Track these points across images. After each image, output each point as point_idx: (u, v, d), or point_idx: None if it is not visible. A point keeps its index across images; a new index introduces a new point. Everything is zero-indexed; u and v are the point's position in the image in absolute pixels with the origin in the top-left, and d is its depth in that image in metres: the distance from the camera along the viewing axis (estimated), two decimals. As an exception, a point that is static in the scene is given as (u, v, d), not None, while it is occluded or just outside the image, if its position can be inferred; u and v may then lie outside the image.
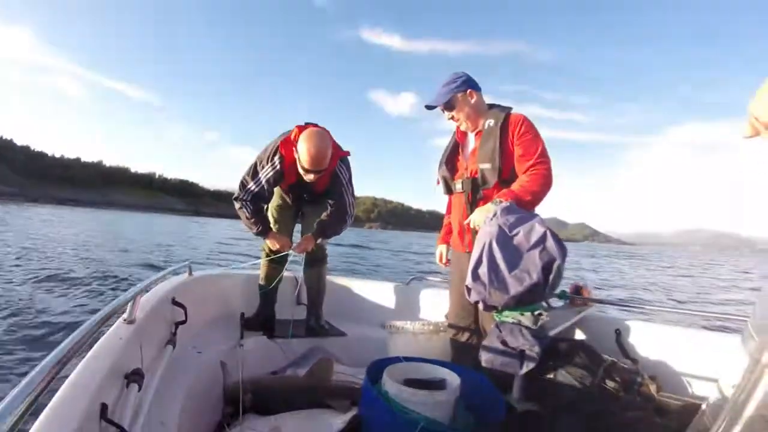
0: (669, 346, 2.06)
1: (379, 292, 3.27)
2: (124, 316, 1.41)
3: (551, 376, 1.86)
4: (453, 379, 1.80)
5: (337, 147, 2.45)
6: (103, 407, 0.97)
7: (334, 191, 2.53)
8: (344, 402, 2.01)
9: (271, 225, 2.68)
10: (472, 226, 2.04)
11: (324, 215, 2.62)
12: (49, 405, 0.83)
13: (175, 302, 1.98)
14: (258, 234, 2.51)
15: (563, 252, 1.76)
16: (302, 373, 2.27)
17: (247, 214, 2.46)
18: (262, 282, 2.74)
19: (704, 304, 11.69)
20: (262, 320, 2.71)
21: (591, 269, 22.94)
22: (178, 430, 1.38)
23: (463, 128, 2.26)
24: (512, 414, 1.74)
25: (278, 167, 2.39)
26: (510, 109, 2.15)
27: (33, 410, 0.69)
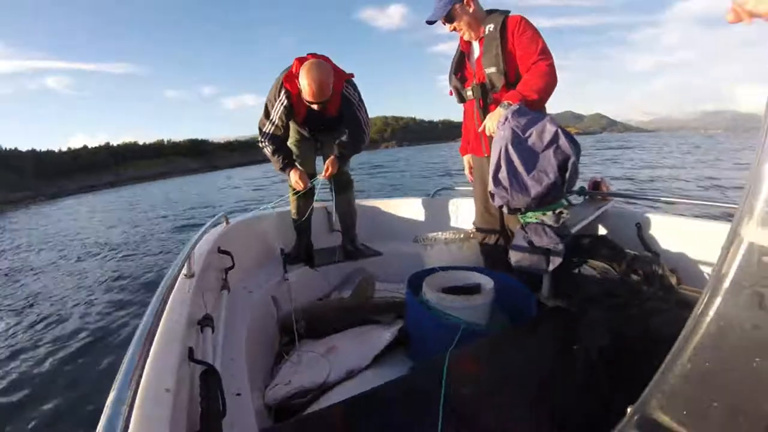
0: (689, 239, 2.06)
1: (408, 209, 3.37)
2: (184, 271, 1.53)
3: (576, 271, 1.94)
4: (487, 282, 1.93)
5: (340, 71, 2.47)
6: (190, 350, 1.11)
7: (347, 113, 2.55)
8: (389, 315, 2.18)
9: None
10: (487, 132, 2.09)
11: (342, 138, 2.67)
12: (151, 353, 0.95)
13: (221, 251, 2.09)
14: (282, 169, 2.59)
15: (577, 149, 1.80)
16: (347, 295, 2.44)
17: (270, 153, 2.55)
18: (294, 217, 2.83)
19: (725, 190, 11.33)
20: (302, 252, 2.84)
21: (610, 159, 22.50)
22: (246, 364, 1.54)
23: (466, 38, 2.26)
24: (543, 310, 1.84)
25: (286, 102, 2.44)
26: (508, 12, 2.13)
27: (142, 362, 0.83)
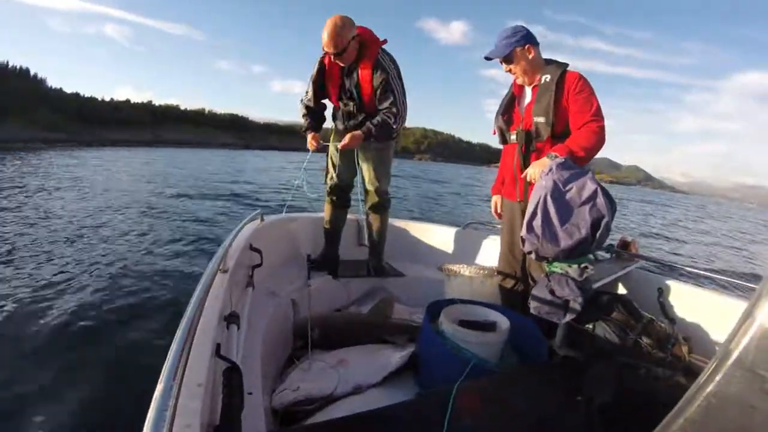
0: (707, 311, 2.09)
1: (437, 235, 3.40)
2: (220, 266, 1.60)
3: (591, 326, 1.96)
4: (503, 321, 1.98)
5: (374, 37, 2.55)
6: (217, 346, 1.16)
7: (380, 84, 2.52)
8: (402, 338, 2.23)
9: (331, 170, 2.81)
10: (527, 179, 2.12)
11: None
12: (192, 348, 1.03)
13: (252, 248, 2.16)
14: (305, 131, 2.74)
15: (612, 209, 1.86)
16: (365, 310, 2.50)
17: (301, 114, 2.75)
18: (326, 225, 2.90)
19: (751, 267, 11.07)
20: (327, 261, 2.89)
21: (641, 214, 22.16)
22: (261, 362, 1.60)
23: (519, 82, 2.30)
24: (553, 358, 1.89)
25: (317, 66, 2.63)
26: (566, 65, 2.17)
27: (185, 358, 0.93)
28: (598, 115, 2.04)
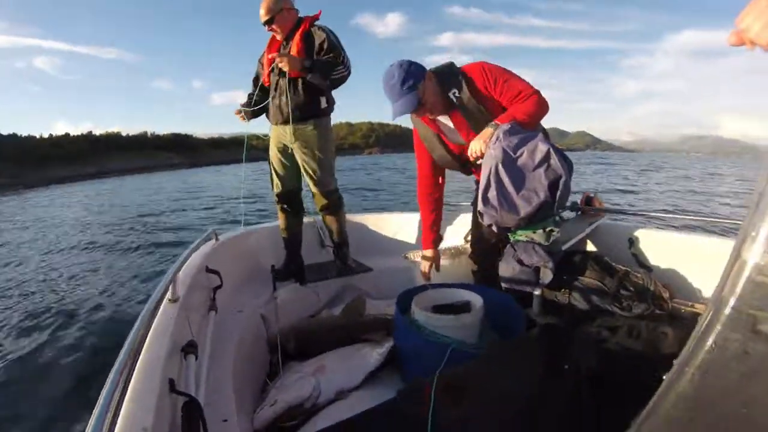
0: (681, 253, 2.09)
1: (398, 224, 3.35)
2: (168, 296, 1.49)
3: (566, 289, 1.94)
4: (476, 300, 1.92)
5: (304, 16, 2.60)
6: (171, 382, 1.07)
7: (328, 46, 2.49)
8: (380, 333, 2.14)
9: (274, 178, 2.78)
10: (471, 155, 1.95)
11: None
12: (130, 387, 0.94)
13: (209, 270, 2.05)
14: (242, 106, 2.75)
15: (569, 167, 1.79)
16: (338, 312, 2.42)
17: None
18: (284, 234, 2.82)
19: (713, 207, 11.51)
20: (292, 269, 2.80)
21: (593, 177, 22.80)
22: (233, 388, 1.50)
23: (432, 117, 2.06)
24: (533, 328, 1.82)
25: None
26: (457, 68, 1.97)
27: (121, 395, 0.83)
28: (529, 89, 1.90)
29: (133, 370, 0.99)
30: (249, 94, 2.79)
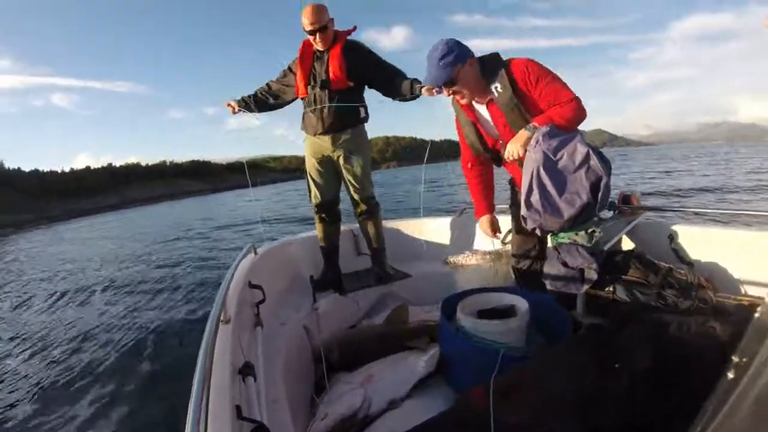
0: (720, 247, 2.06)
1: (433, 228, 3.34)
2: (222, 316, 1.48)
3: (611, 289, 1.92)
4: (521, 304, 1.92)
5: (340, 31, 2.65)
6: (238, 409, 1.07)
7: (376, 61, 2.66)
8: (423, 340, 2.15)
9: (313, 188, 2.80)
10: (510, 158, 1.96)
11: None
12: (209, 422, 0.94)
13: (251, 285, 2.05)
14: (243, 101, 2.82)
15: (608, 168, 1.79)
16: (379, 321, 2.42)
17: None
18: (322, 243, 2.84)
19: (746, 198, 11.14)
20: (330, 278, 2.82)
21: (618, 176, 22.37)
22: (288, 407, 1.50)
23: (465, 101, 2.06)
24: (578, 329, 1.83)
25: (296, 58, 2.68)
26: (504, 61, 1.97)
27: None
28: (569, 94, 1.88)
29: (208, 401, 0.99)
30: (248, 95, 2.84)
